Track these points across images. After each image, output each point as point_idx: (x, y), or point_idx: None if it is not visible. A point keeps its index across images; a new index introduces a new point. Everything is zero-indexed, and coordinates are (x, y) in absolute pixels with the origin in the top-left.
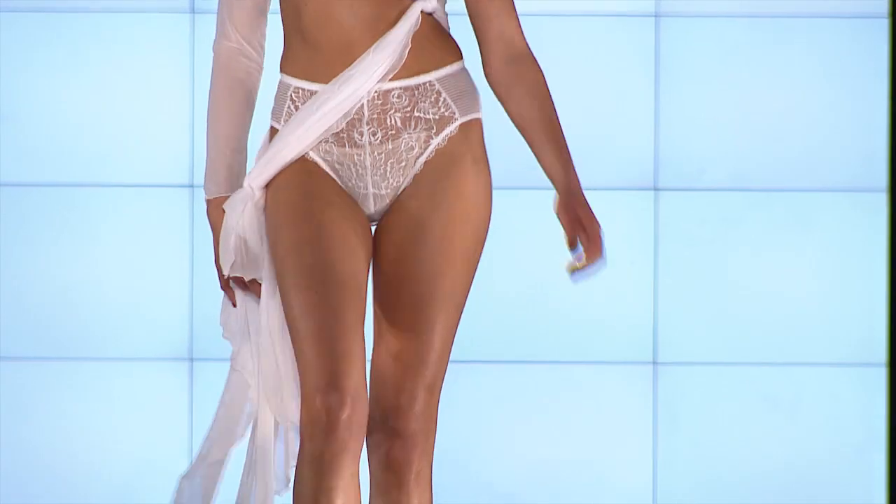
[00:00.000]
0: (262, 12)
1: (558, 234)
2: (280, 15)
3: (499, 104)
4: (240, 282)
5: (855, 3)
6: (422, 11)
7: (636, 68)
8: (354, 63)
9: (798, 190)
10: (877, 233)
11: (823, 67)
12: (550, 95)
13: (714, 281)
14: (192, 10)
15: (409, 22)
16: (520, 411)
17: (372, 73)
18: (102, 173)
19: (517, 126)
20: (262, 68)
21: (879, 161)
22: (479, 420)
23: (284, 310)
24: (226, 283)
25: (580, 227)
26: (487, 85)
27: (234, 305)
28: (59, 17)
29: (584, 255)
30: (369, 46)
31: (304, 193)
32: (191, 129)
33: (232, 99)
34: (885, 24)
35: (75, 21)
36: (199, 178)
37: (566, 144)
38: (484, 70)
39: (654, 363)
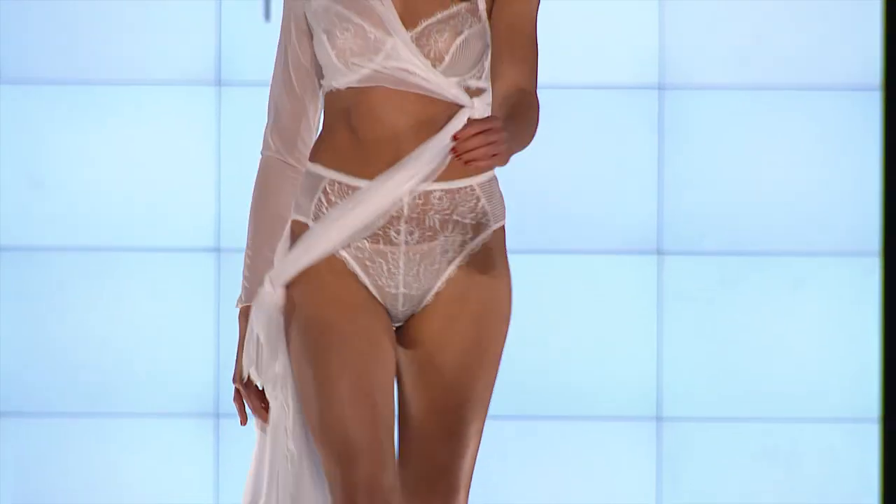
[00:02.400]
0: (308, 123)
1: (562, 294)
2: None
3: (512, 179)
4: (251, 396)
5: (849, 76)
6: (468, 118)
7: (641, 137)
8: (399, 162)
9: (794, 254)
10: (870, 294)
11: (818, 137)
12: (535, 120)
13: (715, 339)
14: (219, 83)
15: (456, 127)
16: (523, 465)
17: (416, 172)
18: (131, 237)
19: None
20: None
21: (872, 226)
22: (482, 474)
23: (306, 418)
24: (237, 397)
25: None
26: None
27: (243, 423)
28: (90, 89)
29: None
30: (415, 146)
31: (329, 299)
32: (217, 196)
33: (270, 211)
34: (877, 95)
35: (106, 92)
36: (225, 241)
37: (521, 119)
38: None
39: (658, 419)
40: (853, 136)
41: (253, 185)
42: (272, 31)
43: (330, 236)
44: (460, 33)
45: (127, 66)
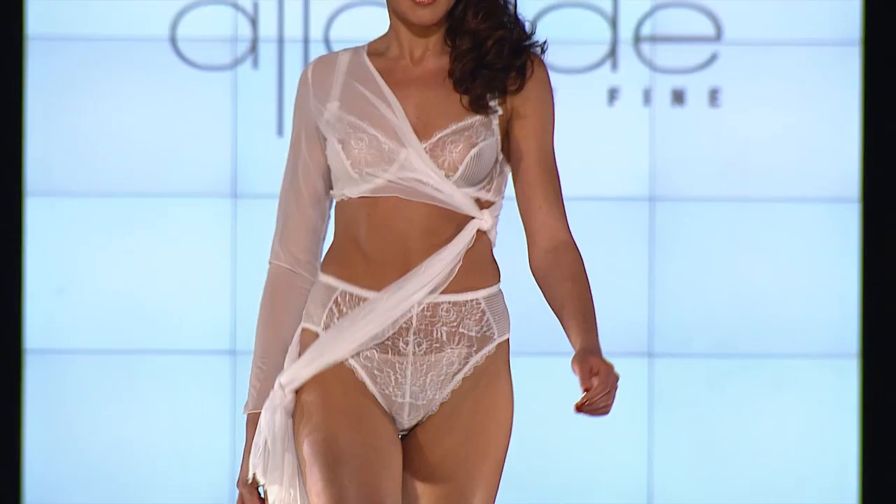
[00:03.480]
0: (316, 233)
1: (555, 394)
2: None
3: (514, 268)
4: (255, 501)
5: (830, 190)
6: (477, 230)
7: (633, 246)
8: (408, 274)
9: (777, 356)
10: (849, 393)
11: (800, 247)
12: (587, 278)
13: (703, 438)
14: (234, 196)
15: (465, 239)
16: None
17: (424, 284)
18: (152, 341)
19: (552, 305)
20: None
21: (851, 330)
22: None
23: None
24: (241, 502)
25: (593, 373)
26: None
27: None
28: (112, 201)
29: (593, 397)
30: (424, 258)
31: (337, 409)
32: (232, 302)
33: (278, 321)
34: (856, 207)
35: (127, 204)
36: (241, 344)
37: (594, 319)
38: (528, 258)
39: None
40: (833, 245)
41: (262, 294)
42: (285, 146)
43: (340, 346)
44: (475, 145)
45: (148, 180)
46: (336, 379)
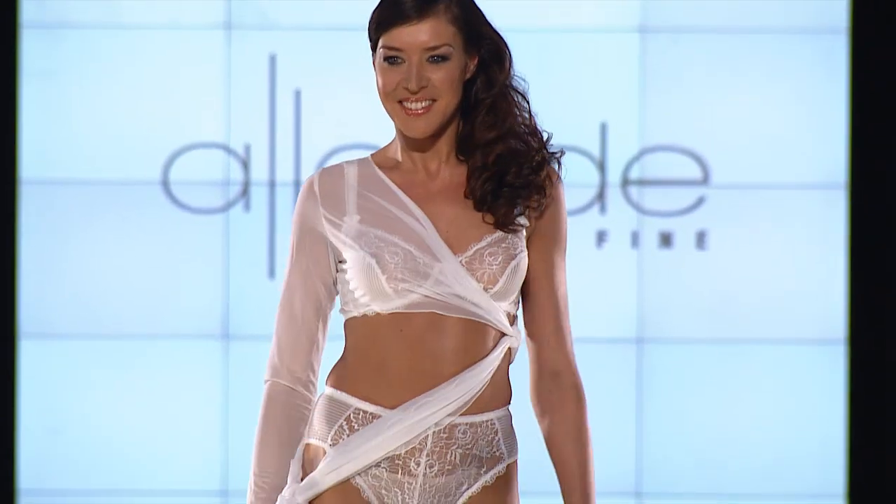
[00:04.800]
0: (316, 347)
1: None
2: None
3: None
4: None
5: (813, 332)
6: (509, 348)
7: (620, 388)
8: (431, 391)
9: (766, 498)
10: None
11: (786, 389)
12: (588, 432)
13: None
14: (227, 337)
15: (498, 359)
16: None
17: (446, 404)
18: (144, 481)
19: (548, 448)
20: (311, 406)
21: (837, 475)
22: None
23: None
24: None
25: None
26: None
27: None
28: (105, 343)
29: None
30: (455, 372)
31: None
32: (224, 443)
33: (277, 440)
34: (842, 349)
35: (120, 346)
36: (233, 484)
37: (592, 487)
38: (530, 387)
39: None
40: (818, 389)
41: (260, 412)
42: (276, 288)
43: (350, 464)
44: (513, 257)
45: (140, 322)
46: (341, 498)
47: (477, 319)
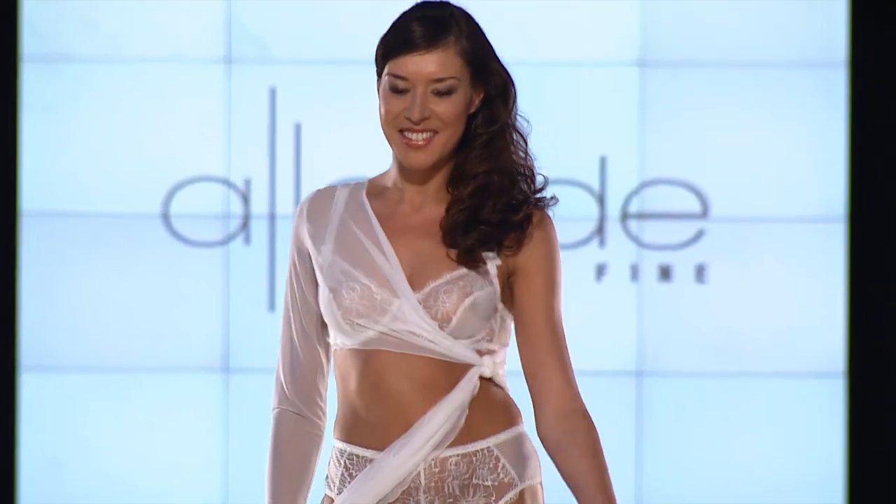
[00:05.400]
0: (321, 370)
1: None
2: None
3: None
4: None
5: (815, 365)
6: (480, 376)
7: (619, 422)
8: (410, 430)
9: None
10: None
11: (786, 422)
12: (602, 452)
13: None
14: (227, 371)
15: (468, 388)
16: None
17: (428, 440)
18: None
19: (565, 479)
20: (322, 432)
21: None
22: None
23: None
24: None
25: None
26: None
27: None
28: (105, 377)
29: None
30: (422, 412)
31: None
32: (224, 478)
33: (287, 470)
34: (841, 383)
35: (119, 380)
36: None
37: (612, 492)
38: (536, 422)
39: None
40: (817, 422)
41: (269, 442)
42: (277, 321)
43: None
44: (469, 294)
45: (140, 355)
46: None
47: (436, 357)
